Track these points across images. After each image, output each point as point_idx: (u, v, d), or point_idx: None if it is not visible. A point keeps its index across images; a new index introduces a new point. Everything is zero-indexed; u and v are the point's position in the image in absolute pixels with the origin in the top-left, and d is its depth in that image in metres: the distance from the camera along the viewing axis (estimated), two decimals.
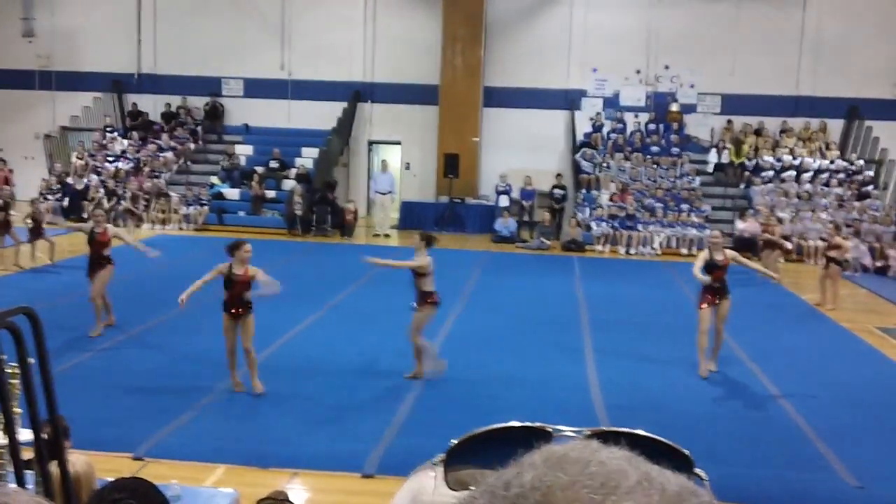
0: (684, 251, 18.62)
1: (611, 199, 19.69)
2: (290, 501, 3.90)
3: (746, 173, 20.61)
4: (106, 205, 19.17)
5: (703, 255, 9.39)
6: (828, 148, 20.93)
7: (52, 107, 23.02)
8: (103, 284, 10.18)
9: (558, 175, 20.62)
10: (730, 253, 9.40)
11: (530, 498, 0.56)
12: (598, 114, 21.76)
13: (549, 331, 11.00)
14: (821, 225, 18.32)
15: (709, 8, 21.18)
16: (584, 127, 21.74)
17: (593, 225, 19.07)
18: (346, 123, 22.18)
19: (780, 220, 17.33)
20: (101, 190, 20.24)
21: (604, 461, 0.58)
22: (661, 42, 21.37)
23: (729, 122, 21.48)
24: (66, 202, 20.10)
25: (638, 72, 21.70)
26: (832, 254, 13.50)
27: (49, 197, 19.92)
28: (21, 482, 2.19)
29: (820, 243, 17.28)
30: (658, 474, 0.57)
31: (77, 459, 3.85)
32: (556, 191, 20.28)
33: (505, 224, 19.58)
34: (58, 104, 22.98)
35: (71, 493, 2.55)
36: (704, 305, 9.20)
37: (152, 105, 23.05)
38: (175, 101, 22.95)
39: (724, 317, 9.24)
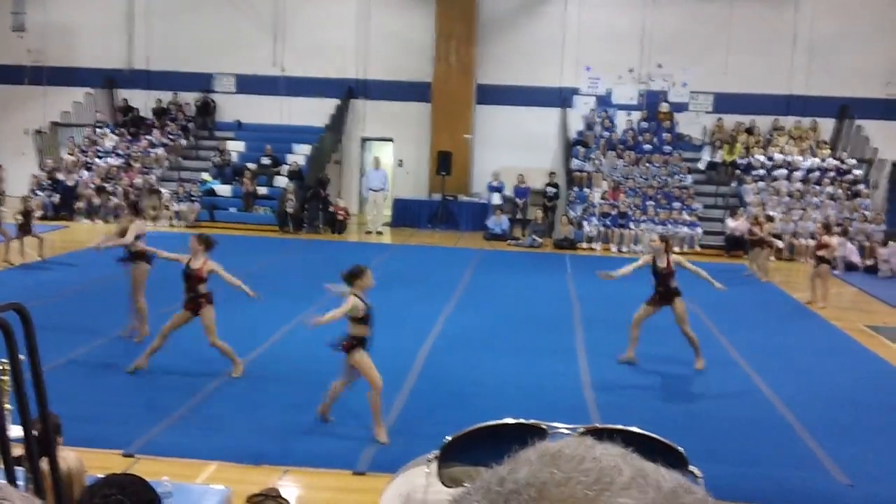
0: (676, 249, 18.64)
1: (603, 197, 19.72)
2: (282, 498, 3.89)
3: (738, 172, 20.66)
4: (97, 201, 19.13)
5: (646, 259, 9.46)
6: (819, 147, 21.00)
7: (42, 102, 22.89)
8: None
9: (551, 173, 20.64)
10: (675, 258, 9.47)
11: (524, 494, 0.56)
12: (592, 110, 21.81)
13: (542, 329, 11.01)
14: (812, 223, 18.39)
15: (702, 7, 21.22)
16: (576, 125, 21.78)
17: (585, 223, 19.10)
18: (339, 120, 22.14)
19: (769, 219, 17.35)
20: (92, 186, 20.18)
21: (598, 457, 0.58)
22: (654, 41, 21.41)
23: (719, 119, 21.53)
24: (56, 198, 20.04)
25: (631, 70, 21.73)
26: (821, 253, 13.56)
27: (39, 193, 19.84)
28: (11, 479, 2.18)
29: (811, 242, 17.34)
30: (653, 471, 0.57)
31: (68, 455, 3.84)
32: (549, 188, 20.29)
33: (497, 222, 19.58)
34: (49, 100, 22.86)
35: (61, 489, 2.54)
36: (648, 304, 9.33)
37: (143, 101, 22.96)
38: (166, 96, 22.88)
39: (681, 317, 9.29)
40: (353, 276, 7.13)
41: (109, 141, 21.93)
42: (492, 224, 19.61)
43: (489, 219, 19.75)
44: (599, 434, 0.72)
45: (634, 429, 0.76)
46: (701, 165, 21.10)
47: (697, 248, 18.60)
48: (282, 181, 20.28)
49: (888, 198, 20.60)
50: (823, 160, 20.53)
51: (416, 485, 0.91)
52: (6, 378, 2.18)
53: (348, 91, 22.18)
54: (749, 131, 21.40)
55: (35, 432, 2.30)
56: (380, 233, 19.70)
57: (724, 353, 10.30)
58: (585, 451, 0.58)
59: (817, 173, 20.28)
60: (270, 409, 7.68)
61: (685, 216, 19.16)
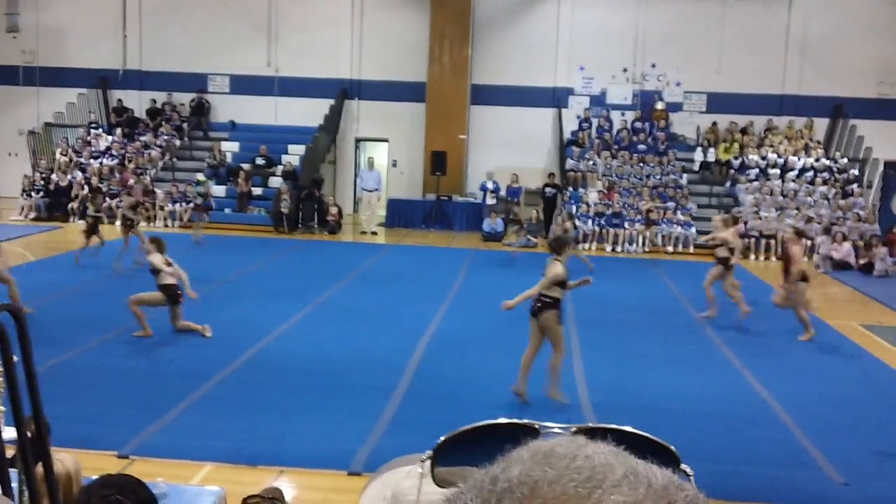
0: (670, 249, 18.69)
1: (598, 197, 19.72)
2: (279, 500, 3.87)
3: (732, 171, 20.71)
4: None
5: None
6: (813, 146, 21.05)
7: (36, 103, 22.85)
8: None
9: (550, 174, 20.63)
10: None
11: (517, 492, 0.56)
12: (587, 109, 21.84)
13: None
14: (803, 223, 18.41)
15: (695, 7, 21.26)
16: (571, 125, 21.79)
17: (579, 223, 19.09)
18: (334, 121, 22.12)
19: (743, 221, 17.13)
20: (86, 186, 20.14)
21: (590, 456, 0.58)
22: (647, 40, 21.44)
23: (713, 123, 21.57)
24: (48, 199, 20.00)
25: (625, 70, 21.76)
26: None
27: (33, 194, 19.80)
28: (5, 481, 2.18)
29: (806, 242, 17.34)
30: (644, 469, 0.58)
31: (65, 458, 3.83)
32: (548, 189, 20.24)
33: (492, 224, 19.53)
34: (42, 100, 22.81)
35: (54, 490, 2.54)
36: None
37: (137, 101, 22.92)
38: (160, 97, 22.84)
39: None
40: (560, 245, 8.37)
41: (103, 141, 21.88)
42: (486, 226, 19.59)
43: (485, 221, 19.69)
44: (592, 433, 0.72)
45: (626, 428, 0.76)
46: (695, 166, 21.12)
47: (691, 249, 18.62)
48: (276, 181, 20.26)
49: (881, 197, 20.67)
50: (817, 160, 20.58)
51: (405, 486, 0.91)
52: None
53: (342, 91, 22.17)
54: (743, 131, 21.45)
55: (28, 434, 2.30)
56: (374, 233, 19.70)
57: (717, 352, 10.32)
58: (577, 450, 0.59)
59: (811, 173, 20.33)
60: (265, 410, 7.67)
61: (679, 216, 19.19)
